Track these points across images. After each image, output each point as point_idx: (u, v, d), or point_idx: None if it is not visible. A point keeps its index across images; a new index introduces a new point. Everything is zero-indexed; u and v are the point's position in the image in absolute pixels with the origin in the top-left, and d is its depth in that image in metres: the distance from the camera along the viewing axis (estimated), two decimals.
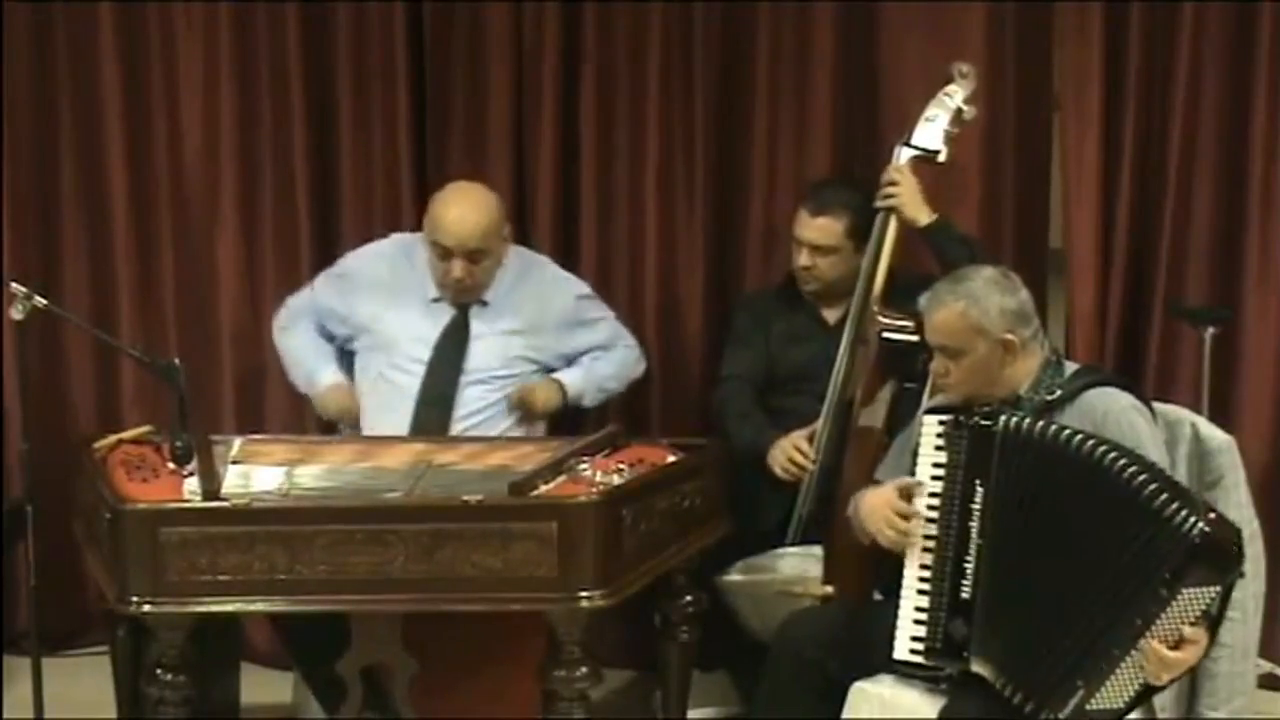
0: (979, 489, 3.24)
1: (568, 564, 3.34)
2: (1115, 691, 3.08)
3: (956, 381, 3.40)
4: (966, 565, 3.24)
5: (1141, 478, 3.05)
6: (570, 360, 4.26)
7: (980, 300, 3.35)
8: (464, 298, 4.16)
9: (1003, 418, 3.25)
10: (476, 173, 4.68)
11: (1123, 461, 3.08)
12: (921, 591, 3.31)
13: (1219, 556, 3.01)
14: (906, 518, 3.33)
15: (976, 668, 3.22)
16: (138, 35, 4.76)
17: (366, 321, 4.21)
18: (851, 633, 3.44)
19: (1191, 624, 3.01)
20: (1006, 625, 3.19)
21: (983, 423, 3.27)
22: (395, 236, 4.41)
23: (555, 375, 4.22)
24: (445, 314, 4.17)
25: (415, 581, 3.34)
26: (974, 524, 3.24)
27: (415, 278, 4.20)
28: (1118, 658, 3.05)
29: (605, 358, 4.30)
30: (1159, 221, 4.42)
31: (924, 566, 3.31)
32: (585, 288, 4.36)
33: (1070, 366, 3.45)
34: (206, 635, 3.51)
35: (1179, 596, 3.00)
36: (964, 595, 3.23)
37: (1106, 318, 4.46)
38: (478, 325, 4.16)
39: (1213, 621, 3.06)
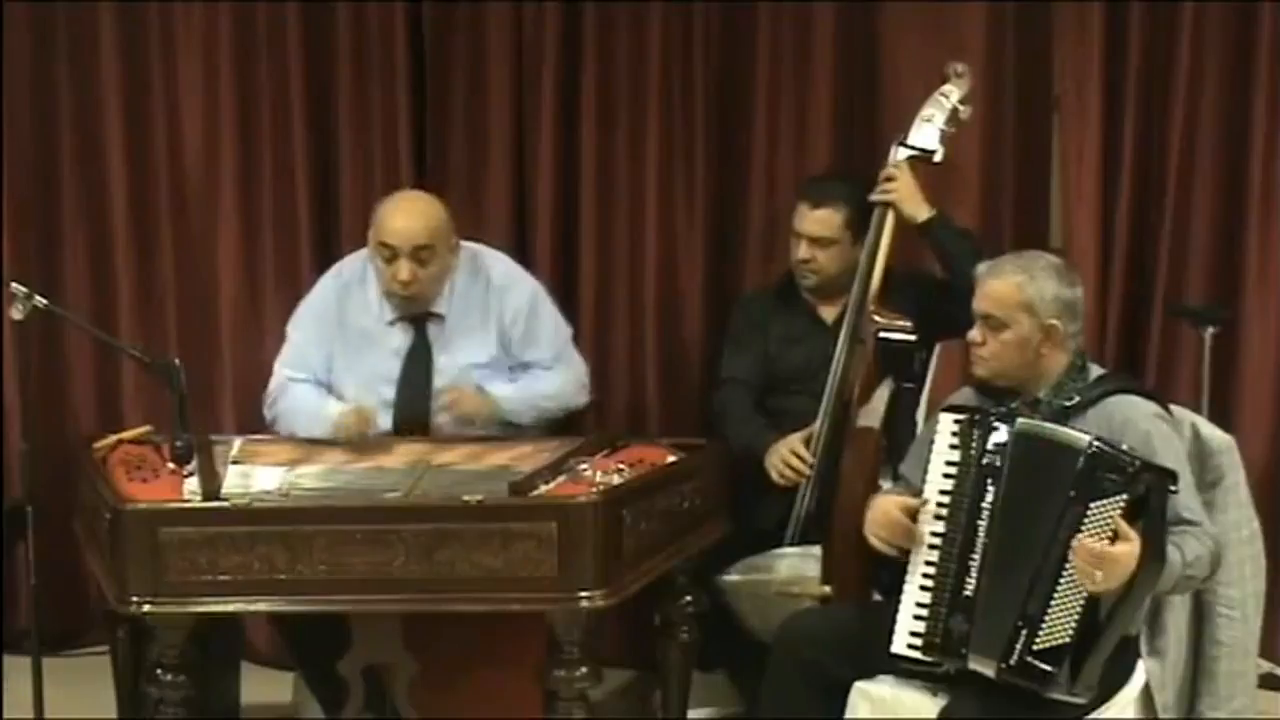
0: (990, 489, 3.26)
1: (568, 564, 3.34)
2: (1059, 620, 3.13)
3: (990, 354, 3.40)
4: (971, 563, 3.25)
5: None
6: (514, 367, 4.17)
7: (1038, 279, 3.37)
8: (414, 306, 4.06)
9: (1019, 420, 3.27)
10: (476, 173, 4.70)
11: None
12: (924, 588, 3.32)
13: (1113, 465, 3.10)
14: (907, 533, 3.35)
15: (975, 665, 3.23)
16: (138, 35, 4.76)
17: (336, 369, 4.12)
18: (852, 632, 3.44)
19: (1110, 538, 3.07)
20: (997, 617, 3.21)
21: (997, 424, 3.28)
22: (341, 264, 4.25)
23: (490, 390, 4.09)
24: (404, 337, 4.09)
25: (415, 581, 3.34)
26: (982, 523, 3.25)
27: (368, 304, 4.11)
28: (1049, 584, 3.12)
29: (545, 376, 4.17)
30: (1159, 221, 4.42)
31: (929, 563, 3.32)
32: (539, 288, 4.23)
33: (1095, 371, 3.44)
34: (207, 635, 3.52)
35: (1090, 510, 3.09)
36: (966, 593, 3.25)
37: (1106, 318, 4.46)
38: (438, 350, 4.09)
39: (1152, 538, 3.09)
